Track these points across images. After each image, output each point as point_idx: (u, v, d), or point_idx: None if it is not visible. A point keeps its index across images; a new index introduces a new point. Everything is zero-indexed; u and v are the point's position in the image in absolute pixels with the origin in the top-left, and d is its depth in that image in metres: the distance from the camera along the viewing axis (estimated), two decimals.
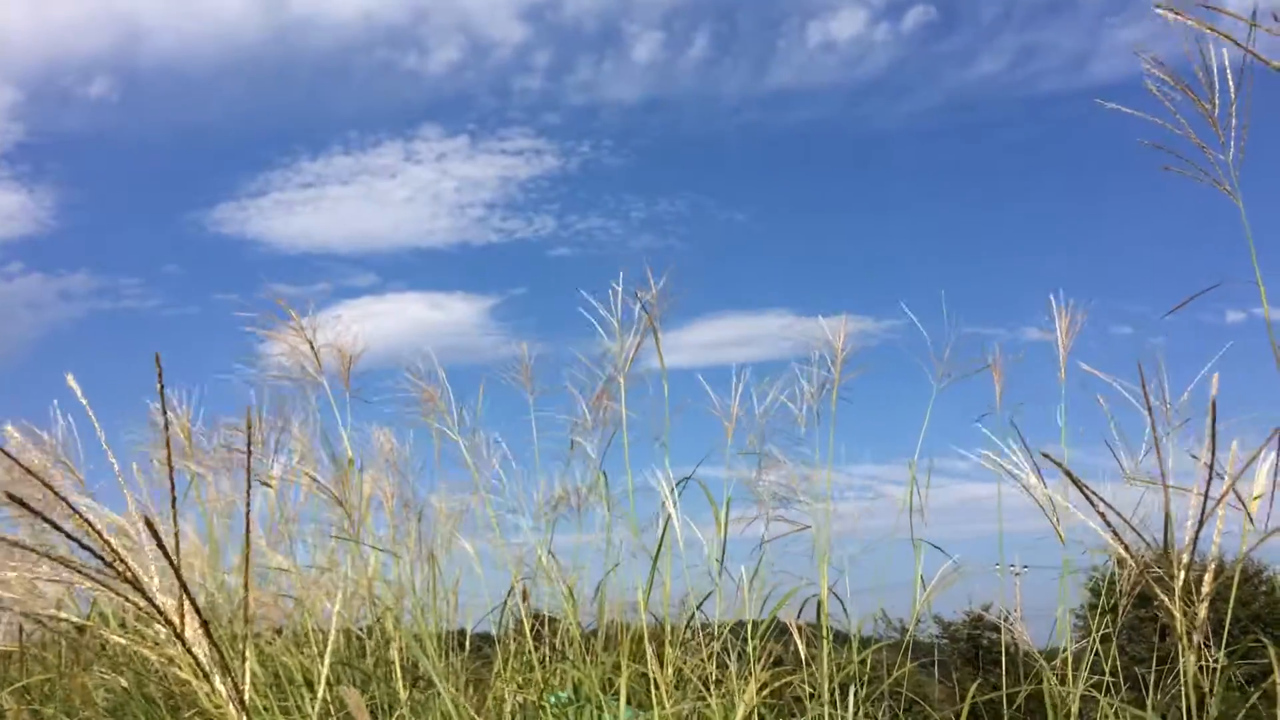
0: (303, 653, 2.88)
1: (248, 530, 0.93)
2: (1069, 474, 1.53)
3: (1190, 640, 1.56)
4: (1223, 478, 1.38)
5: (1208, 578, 1.57)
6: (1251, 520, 1.59)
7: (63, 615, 1.30)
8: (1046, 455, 1.63)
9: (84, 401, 0.97)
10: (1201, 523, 1.40)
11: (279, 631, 3.12)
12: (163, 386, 0.76)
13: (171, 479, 0.94)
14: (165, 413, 0.84)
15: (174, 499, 0.99)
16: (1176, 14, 1.56)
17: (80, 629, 2.74)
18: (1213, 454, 1.29)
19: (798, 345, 3.07)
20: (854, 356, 3.04)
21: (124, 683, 2.94)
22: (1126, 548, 1.61)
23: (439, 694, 2.62)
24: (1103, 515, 1.54)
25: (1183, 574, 1.52)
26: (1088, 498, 1.54)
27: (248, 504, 0.89)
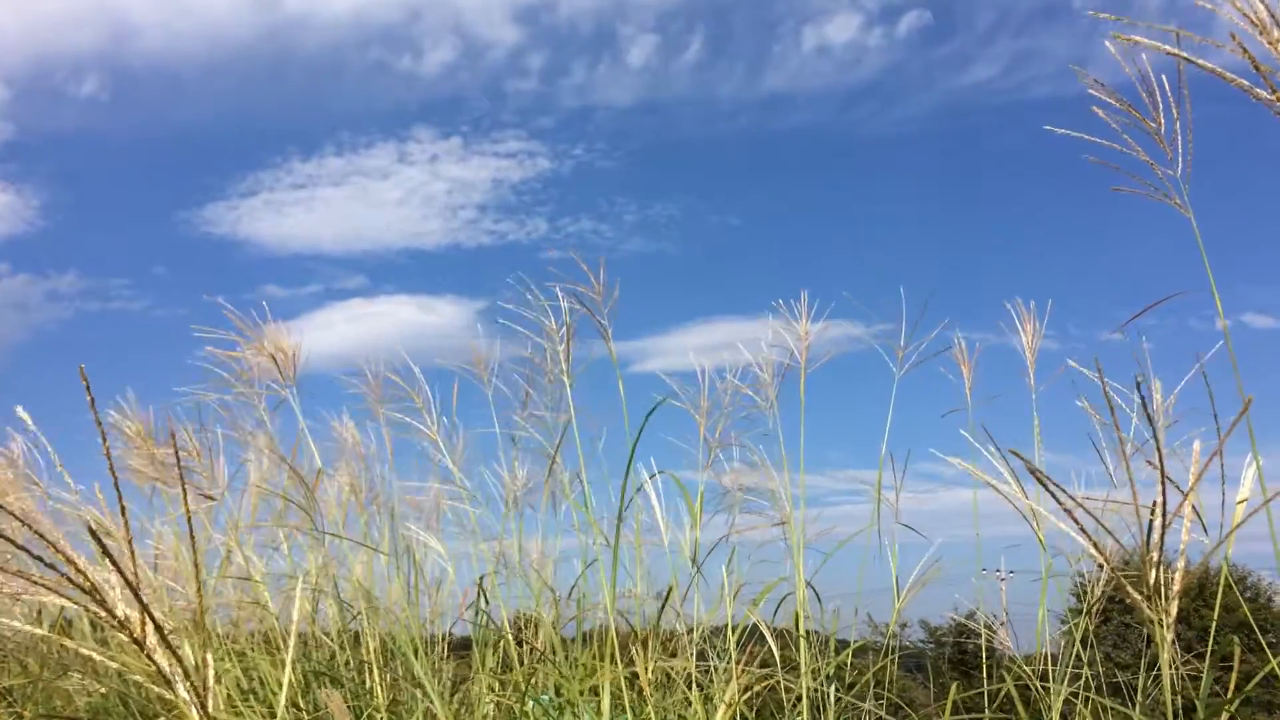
0: (277, 658, 2.87)
1: (193, 542, 0.92)
2: (1037, 475, 1.53)
3: (1163, 638, 1.56)
4: (1181, 487, 1.39)
5: (1178, 577, 1.58)
6: (1203, 527, 1.60)
7: (25, 627, 1.29)
8: (1016, 454, 1.62)
9: (33, 428, 0.96)
10: (1165, 525, 1.40)
11: (253, 636, 3.11)
12: (93, 400, 0.75)
13: (118, 489, 0.93)
14: (100, 425, 0.83)
15: (123, 509, 0.99)
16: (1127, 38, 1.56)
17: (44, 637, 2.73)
18: (1160, 461, 1.30)
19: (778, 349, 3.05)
20: (825, 357, 3.03)
21: (102, 690, 2.92)
22: (1099, 549, 1.61)
23: (419, 697, 2.61)
24: (1071, 515, 1.53)
25: (1153, 573, 1.53)
26: (1057, 499, 1.54)
27: (189, 520, 0.88)
